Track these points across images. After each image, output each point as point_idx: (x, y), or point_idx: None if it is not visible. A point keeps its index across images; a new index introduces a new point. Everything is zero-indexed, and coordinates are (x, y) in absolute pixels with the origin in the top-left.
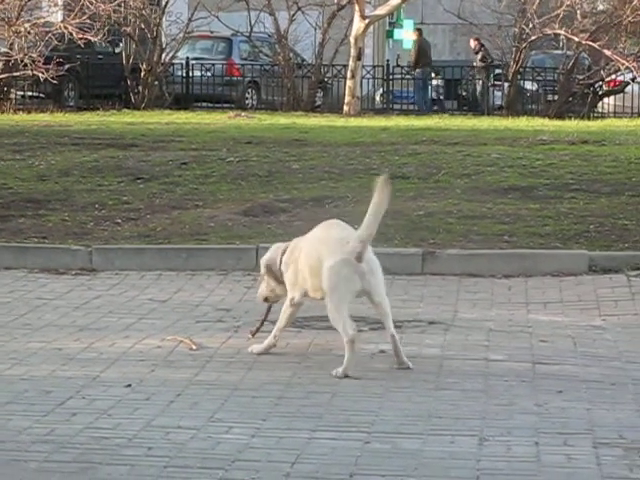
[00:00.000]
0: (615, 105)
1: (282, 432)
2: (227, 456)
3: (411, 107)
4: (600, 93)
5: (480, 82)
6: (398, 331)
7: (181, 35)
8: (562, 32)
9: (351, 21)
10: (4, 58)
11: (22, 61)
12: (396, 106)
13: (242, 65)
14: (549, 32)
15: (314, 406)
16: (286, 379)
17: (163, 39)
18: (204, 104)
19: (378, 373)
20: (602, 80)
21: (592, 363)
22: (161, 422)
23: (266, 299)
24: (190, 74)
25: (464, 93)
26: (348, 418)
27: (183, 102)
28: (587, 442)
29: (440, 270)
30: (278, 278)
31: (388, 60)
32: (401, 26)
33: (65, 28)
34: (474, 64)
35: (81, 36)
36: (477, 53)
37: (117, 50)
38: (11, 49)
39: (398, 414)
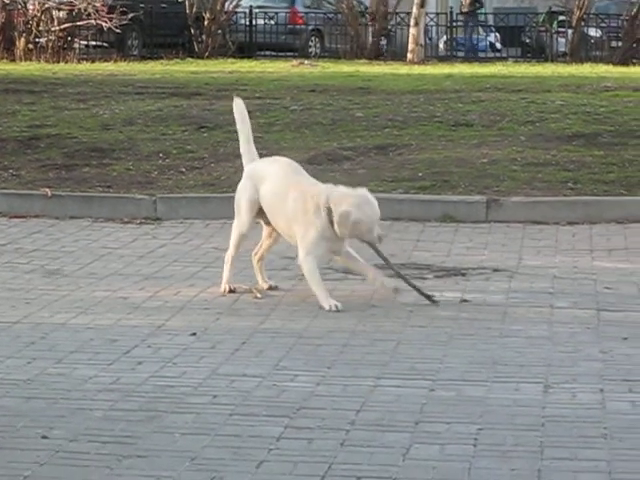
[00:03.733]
0: None
1: (347, 380)
2: (292, 404)
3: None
4: None
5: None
6: (463, 279)
7: None
8: None
9: None
10: (68, 7)
11: (85, 10)
12: (459, 53)
13: (305, 13)
14: None
15: (379, 354)
16: (351, 327)
17: None
18: (267, 52)
19: (442, 321)
20: None
21: None
22: (226, 370)
23: None
24: (253, 22)
25: (527, 40)
26: (413, 366)
27: (246, 51)
28: None
29: (504, 217)
30: None
31: (452, 7)
32: None
33: None
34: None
35: None
36: None
37: None
38: None
39: (463, 361)
